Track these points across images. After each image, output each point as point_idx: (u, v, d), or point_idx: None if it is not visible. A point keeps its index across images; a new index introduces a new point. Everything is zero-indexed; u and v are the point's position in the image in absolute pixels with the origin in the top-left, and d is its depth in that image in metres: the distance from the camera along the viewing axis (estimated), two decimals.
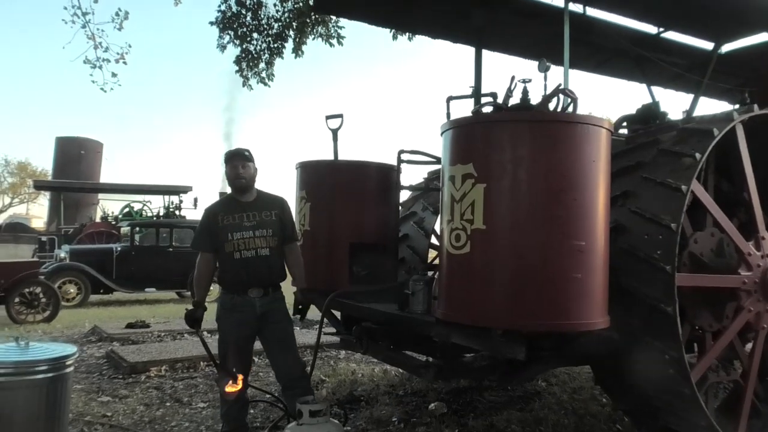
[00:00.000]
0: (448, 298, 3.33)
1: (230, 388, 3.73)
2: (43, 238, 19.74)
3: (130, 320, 9.58)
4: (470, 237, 3.10)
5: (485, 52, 5.37)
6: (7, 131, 75.29)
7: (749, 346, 4.21)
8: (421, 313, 3.82)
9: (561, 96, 3.36)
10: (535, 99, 3.36)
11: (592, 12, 5.15)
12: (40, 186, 29.51)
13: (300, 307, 4.32)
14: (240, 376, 3.79)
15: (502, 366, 3.69)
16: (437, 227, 5.27)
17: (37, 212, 45.79)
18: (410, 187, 5.52)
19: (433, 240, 5.70)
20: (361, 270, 4.57)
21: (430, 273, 5.12)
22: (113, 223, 19.48)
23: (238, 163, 4.00)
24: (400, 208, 5.43)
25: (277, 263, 4.08)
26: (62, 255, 13.69)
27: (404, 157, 4.89)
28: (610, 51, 5.83)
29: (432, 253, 5.78)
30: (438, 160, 4.22)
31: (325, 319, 4.63)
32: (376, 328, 4.30)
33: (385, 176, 4.86)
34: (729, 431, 3.63)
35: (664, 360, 3.35)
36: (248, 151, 4.08)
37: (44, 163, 44.46)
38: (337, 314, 4.94)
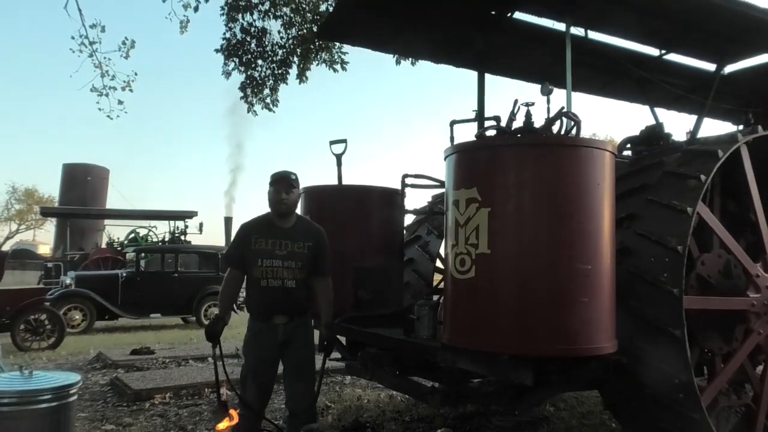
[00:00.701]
0: (454, 323, 3.31)
1: (222, 425, 3.66)
2: (49, 265, 19.78)
3: (135, 346, 9.55)
4: (475, 261, 3.08)
5: (488, 76, 5.40)
6: (15, 158, 76.15)
7: (760, 368, 4.16)
8: (427, 338, 3.79)
9: (564, 119, 3.36)
10: (538, 122, 3.36)
11: (594, 35, 5.18)
12: (46, 212, 29.64)
13: (325, 343, 4.14)
14: (235, 415, 3.69)
15: (510, 391, 3.65)
16: (442, 251, 5.26)
17: (44, 238, 46.06)
18: (414, 211, 5.51)
19: (438, 264, 5.68)
20: (366, 294, 4.54)
21: (435, 297, 5.09)
22: (119, 248, 19.52)
23: (282, 188, 3.88)
24: (404, 232, 5.42)
25: (302, 295, 3.96)
26: (68, 281, 13.70)
27: (408, 181, 4.89)
28: (613, 73, 5.86)
29: (437, 277, 5.75)
30: (442, 184, 4.23)
31: None
32: (381, 353, 4.26)
33: (389, 200, 4.86)
34: None
35: (673, 384, 3.30)
36: (295, 175, 3.97)
37: (51, 189, 44.71)
38: (342, 339, 4.91)
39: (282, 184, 3.89)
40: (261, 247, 3.87)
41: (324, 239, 4.05)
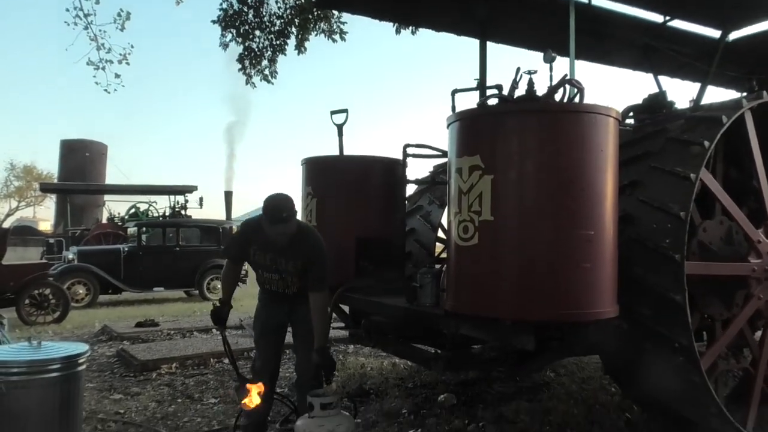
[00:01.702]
0: (457, 290, 3.34)
1: (248, 401, 3.73)
2: (51, 241, 19.82)
3: (140, 319, 9.63)
4: (478, 228, 3.10)
5: (490, 44, 5.35)
6: (12, 135, 75.84)
7: (759, 334, 4.20)
8: (430, 305, 3.83)
9: (567, 86, 3.35)
10: (540, 91, 3.35)
11: (598, 2, 5.12)
12: (46, 189, 29.57)
13: (323, 374, 3.80)
14: (260, 388, 3.71)
15: (511, 357, 3.69)
16: (444, 221, 5.26)
17: (44, 215, 45.99)
18: (416, 181, 5.51)
19: (440, 234, 5.69)
20: (369, 264, 4.57)
21: (437, 266, 5.11)
22: (119, 224, 19.54)
23: (277, 230, 3.67)
24: (406, 202, 5.43)
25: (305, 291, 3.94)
26: (70, 256, 13.74)
27: (410, 151, 4.87)
28: (616, 41, 5.80)
29: (439, 247, 5.78)
30: (444, 154, 4.22)
31: (334, 314, 4.64)
32: (384, 321, 4.31)
33: (391, 171, 4.85)
34: (739, 418, 3.63)
35: (673, 348, 3.35)
36: (287, 203, 3.71)
37: (50, 166, 44.55)
38: (345, 308, 4.95)
39: (277, 225, 3.66)
40: (259, 261, 3.96)
41: (317, 255, 3.85)
